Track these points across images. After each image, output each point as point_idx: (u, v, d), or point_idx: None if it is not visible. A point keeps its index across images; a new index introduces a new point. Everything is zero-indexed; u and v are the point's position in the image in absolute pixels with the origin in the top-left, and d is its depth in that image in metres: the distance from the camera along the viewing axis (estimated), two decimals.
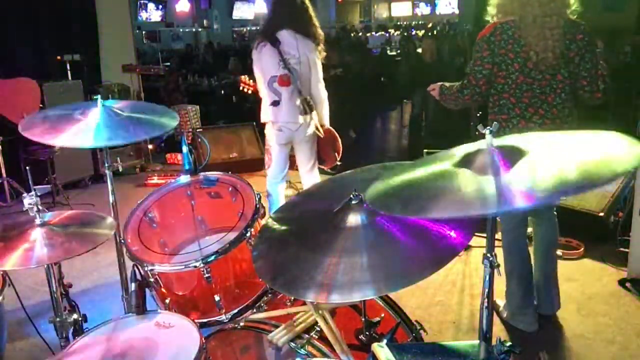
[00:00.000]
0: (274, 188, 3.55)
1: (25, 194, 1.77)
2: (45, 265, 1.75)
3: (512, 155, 1.15)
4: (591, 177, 1.00)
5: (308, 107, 3.33)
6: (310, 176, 3.62)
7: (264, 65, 3.32)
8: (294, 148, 3.54)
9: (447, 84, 2.75)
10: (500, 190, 1.06)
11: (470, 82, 2.58)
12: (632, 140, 1.10)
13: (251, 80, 3.89)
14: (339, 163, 3.66)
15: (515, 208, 1.00)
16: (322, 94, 3.46)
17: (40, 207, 1.76)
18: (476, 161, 1.17)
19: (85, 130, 1.96)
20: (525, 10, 2.44)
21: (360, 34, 20.24)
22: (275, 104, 3.32)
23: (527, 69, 2.47)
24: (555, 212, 2.85)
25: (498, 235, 2.75)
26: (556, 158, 1.13)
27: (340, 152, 3.61)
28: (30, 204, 1.74)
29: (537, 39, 2.43)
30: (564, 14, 2.46)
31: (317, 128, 3.46)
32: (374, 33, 21.23)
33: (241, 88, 4.09)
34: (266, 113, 3.40)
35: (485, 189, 1.09)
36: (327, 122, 3.52)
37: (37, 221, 1.76)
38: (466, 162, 1.20)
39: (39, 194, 1.77)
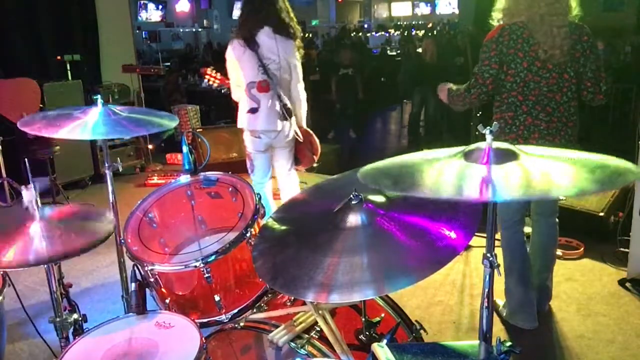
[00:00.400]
0: (261, 190, 3.46)
1: (23, 187, 1.76)
2: (45, 265, 1.75)
3: (505, 156, 1.17)
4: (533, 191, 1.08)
5: (287, 113, 3.23)
6: (288, 178, 3.54)
7: (243, 70, 3.19)
8: (273, 152, 3.44)
9: (455, 87, 2.78)
10: (484, 180, 1.09)
11: (477, 81, 2.61)
12: (612, 169, 1.12)
13: (218, 74, 3.69)
14: (315, 165, 3.59)
15: (499, 199, 1.05)
16: (301, 95, 3.35)
17: (38, 201, 1.76)
18: (472, 156, 1.20)
19: (83, 125, 1.96)
20: (532, 11, 2.49)
21: (360, 34, 20.26)
22: (253, 111, 3.20)
23: (535, 67, 2.51)
24: (557, 213, 2.86)
25: (498, 236, 2.75)
26: (538, 167, 1.15)
27: (318, 153, 3.49)
28: (29, 197, 1.74)
29: (545, 37, 2.48)
30: (568, 16, 2.51)
31: (296, 133, 3.37)
32: (374, 33, 21.25)
33: (206, 80, 3.89)
34: (243, 119, 3.28)
35: (472, 177, 1.12)
36: (304, 124, 3.44)
37: (36, 215, 1.75)
38: (464, 155, 1.22)
39: (37, 187, 1.76)
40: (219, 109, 9.37)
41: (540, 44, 2.48)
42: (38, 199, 1.75)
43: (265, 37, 3.16)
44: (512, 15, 2.56)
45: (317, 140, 3.51)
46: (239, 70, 3.22)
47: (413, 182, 1.16)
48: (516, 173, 1.12)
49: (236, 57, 3.19)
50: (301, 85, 3.36)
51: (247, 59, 3.16)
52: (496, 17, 2.64)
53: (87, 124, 1.97)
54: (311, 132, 3.50)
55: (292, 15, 3.28)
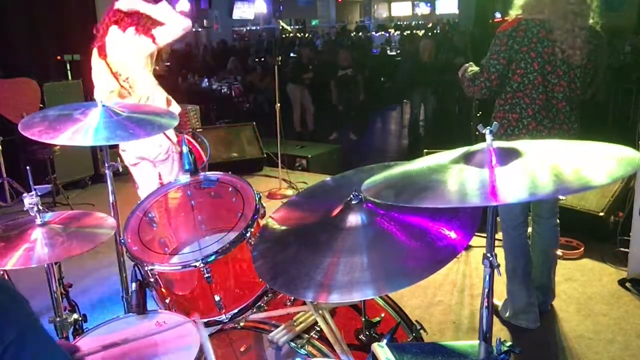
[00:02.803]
0: None
1: (25, 194, 1.77)
2: (45, 265, 1.76)
3: (509, 155, 1.16)
4: (563, 185, 1.03)
5: None
6: None
7: (98, 78, 3.00)
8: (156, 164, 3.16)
9: (471, 69, 2.69)
10: (488, 185, 1.08)
11: (483, 74, 2.55)
12: (624, 156, 1.11)
13: None
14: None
15: (504, 203, 1.04)
16: (160, 99, 3.05)
17: (40, 207, 1.77)
18: (474, 158, 1.19)
19: (84, 129, 1.96)
20: (557, 6, 2.40)
21: (360, 33, 20.27)
22: None
23: (545, 71, 2.45)
24: (557, 214, 2.86)
25: (498, 235, 2.75)
26: (547, 162, 1.13)
27: (201, 162, 3.21)
28: (30, 203, 1.74)
29: (566, 34, 2.39)
30: (588, 20, 2.44)
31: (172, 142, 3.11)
32: (374, 33, 21.26)
33: None
34: None
35: (475, 183, 1.10)
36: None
37: (38, 221, 1.76)
38: (464, 158, 1.21)
39: (39, 193, 1.77)
40: (219, 109, 9.39)
41: (558, 42, 2.40)
42: (40, 206, 1.76)
43: (114, 37, 2.95)
44: (532, 9, 2.46)
45: (200, 149, 3.21)
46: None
47: (417, 193, 1.15)
48: (538, 171, 1.09)
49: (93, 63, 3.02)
50: (160, 91, 3.07)
51: (97, 65, 3.00)
52: (515, 13, 2.53)
53: (88, 129, 1.95)
54: (192, 140, 3.20)
55: (163, 17, 2.96)
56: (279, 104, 5.23)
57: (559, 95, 2.49)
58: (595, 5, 2.45)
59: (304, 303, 1.76)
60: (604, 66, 2.57)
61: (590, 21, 2.45)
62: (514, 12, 2.55)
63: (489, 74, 2.52)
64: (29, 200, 1.74)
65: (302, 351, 1.58)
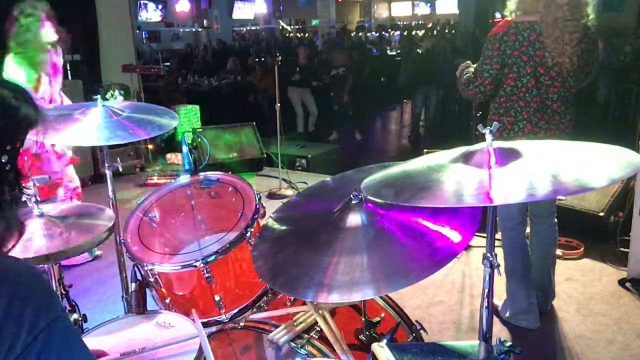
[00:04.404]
0: None
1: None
2: (45, 266, 1.75)
3: (508, 156, 1.16)
4: (562, 187, 1.04)
5: None
6: None
7: None
8: None
9: (467, 71, 2.66)
10: (485, 186, 1.08)
11: (476, 79, 2.54)
12: (623, 158, 1.12)
13: None
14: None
15: (502, 204, 1.04)
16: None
17: (38, 198, 1.75)
18: (473, 158, 1.19)
19: (85, 129, 1.96)
20: (549, 11, 2.37)
21: (360, 34, 20.28)
22: None
23: (538, 73, 2.44)
24: (555, 213, 2.86)
25: (498, 235, 2.76)
26: (546, 163, 1.14)
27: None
28: (28, 194, 1.73)
29: (555, 42, 2.38)
30: (582, 20, 2.42)
31: None
32: (373, 33, 21.27)
33: None
34: None
35: (473, 183, 1.11)
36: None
37: (35, 212, 1.74)
38: (464, 158, 1.22)
39: (37, 184, 1.76)
40: (219, 109, 9.38)
41: (549, 49, 2.39)
42: (37, 196, 1.75)
43: None
44: (526, 11, 2.43)
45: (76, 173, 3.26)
46: None
47: (416, 192, 1.15)
48: (536, 172, 1.10)
49: None
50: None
51: None
52: (510, 9, 2.49)
53: (88, 129, 1.95)
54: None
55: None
56: (279, 104, 5.23)
57: (554, 97, 2.48)
58: (593, 5, 2.42)
59: (304, 303, 1.75)
60: (597, 63, 2.55)
61: (585, 19, 2.43)
62: (510, 7, 2.51)
63: (483, 79, 2.52)
64: (26, 190, 1.73)
65: (302, 351, 1.58)
